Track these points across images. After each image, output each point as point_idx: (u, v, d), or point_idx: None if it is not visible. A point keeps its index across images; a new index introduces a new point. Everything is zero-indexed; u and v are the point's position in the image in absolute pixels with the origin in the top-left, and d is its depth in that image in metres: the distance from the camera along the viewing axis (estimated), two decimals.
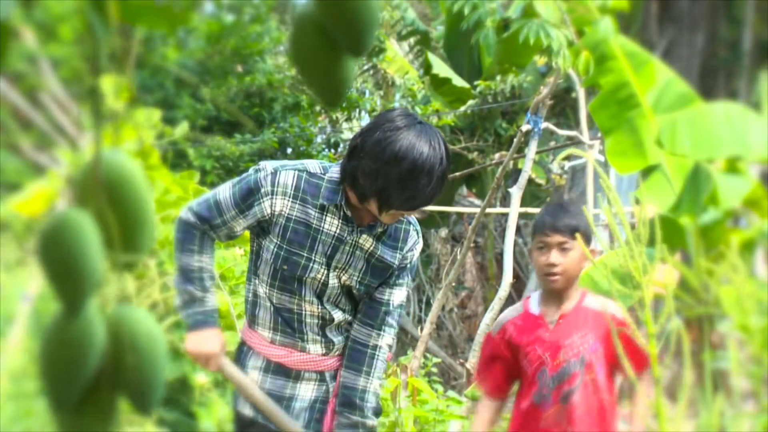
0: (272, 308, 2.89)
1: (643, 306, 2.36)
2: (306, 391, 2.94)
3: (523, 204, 5.83)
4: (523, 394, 3.32)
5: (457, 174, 8.36)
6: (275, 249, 2.82)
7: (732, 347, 2.62)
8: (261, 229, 2.85)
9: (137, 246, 1.18)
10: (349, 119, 10.98)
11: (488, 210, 7.02)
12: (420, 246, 2.95)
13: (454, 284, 8.58)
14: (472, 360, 5.02)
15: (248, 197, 2.81)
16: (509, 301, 4.77)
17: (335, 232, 2.82)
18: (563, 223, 3.24)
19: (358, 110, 10.68)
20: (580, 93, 6.55)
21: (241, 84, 10.87)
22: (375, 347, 2.92)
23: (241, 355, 2.97)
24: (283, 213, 2.79)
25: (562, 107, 9.94)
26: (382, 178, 2.66)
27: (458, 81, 9.54)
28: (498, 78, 9.31)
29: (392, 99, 10.22)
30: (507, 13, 7.64)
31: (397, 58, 10.21)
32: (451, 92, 9.67)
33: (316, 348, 2.91)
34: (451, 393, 5.45)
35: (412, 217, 2.91)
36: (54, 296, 1.15)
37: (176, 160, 9.31)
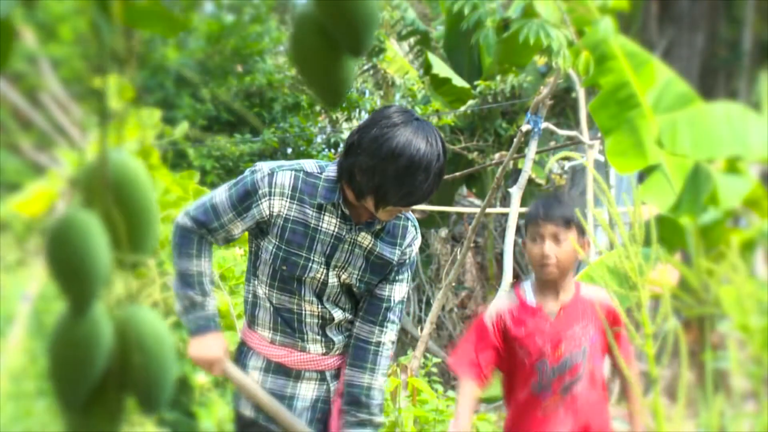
0: (272, 308, 2.89)
1: (639, 307, 2.36)
2: (307, 391, 2.94)
3: (523, 204, 5.82)
4: (520, 385, 3.29)
5: (457, 174, 8.36)
6: (274, 250, 2.82)
7: (732, 347, 2.61)
8: (259, 230, 2.85)
9: (142, 246, 1.19)
10: (349, 119, 10.98)
11: (488, 210, 7.02)
12: (419, 241, 2.95)
13: (454, 284, 8.58)
14: None
15: (246, 199, 2.80)
16: None
17: (333, 231, 2.82)
18: (557, 214, 3.22)
19: (358, 110, 10.67)
20: (580, 93, 6.55)
21: (241, 84, 10.87)
22: (378, 344, 2.92)
23: (241, 356, 2.97)
24: (281, 213, 2.79)
25: (562, 107, 9.94)
26: (380, 175, 2.66)
27: (458, 81, 9.53)
28: (498, 78, 9.31)
29: (392, 99, 10.22)
30: (507, 13, 7.64)
31: (397, 58, 10.21)
32: (451, 92, 9.67)
33: (316, 347, 2.91)
34: (451, 393, 5.44)
35: (410, 213, 2.91)
36: (61, 296, 1.15)
37: (176, 160, 9.31)
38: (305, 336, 2.90)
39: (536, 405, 3.26)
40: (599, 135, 5.33)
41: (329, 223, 2.81)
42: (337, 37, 1.17)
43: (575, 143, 6.76)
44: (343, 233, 2.82)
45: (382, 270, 2.89)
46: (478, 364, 3.28)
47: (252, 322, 2.95)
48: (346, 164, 2.74)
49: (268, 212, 2.79)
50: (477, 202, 10.36)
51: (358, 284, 2.88)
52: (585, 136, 6.13)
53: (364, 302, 2.93)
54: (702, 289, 2.86)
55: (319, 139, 11.07)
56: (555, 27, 5.05)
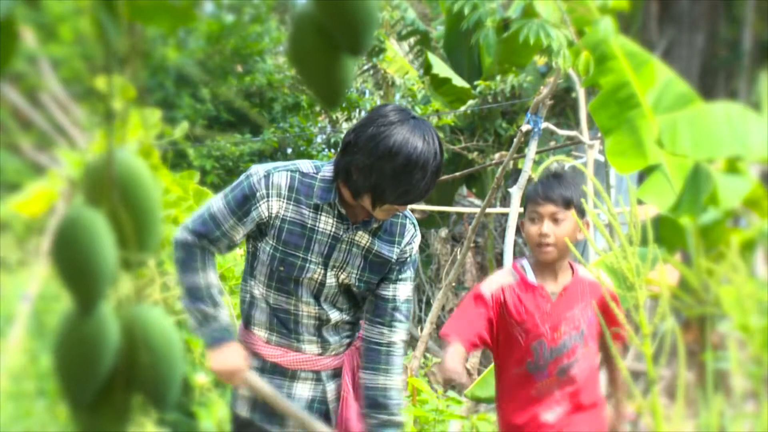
0: (268, 309, 2.89)
1: (637, 307, 2.36)
2: (303, 391, 2.94)
3: (522, 204, 5.83)
4: (513, 360, 3.23)
5: (457, 174, 8.36)
6: (271, 251, 2.82)
7: (732, 347, 2.61)
8: (258, 231, 2.85)
9: (147, 245, 1.19)
10: (349, 119, 10.98)
11: (488, 210, 7.02)
12: (418, 239, 2.94)
13: (454, 284, 8.57)
14: (472, 360, 5.02)
15: (244, 203, 2.80)
16: None
17: (330, 231, 2.81)
18: (556, 193, 3.16)
19: (358, 110, 10.68)
20: (580, 93, 6.55)
21: (241, 84, 10.87)
22: (389, 344, 2.92)
23: None
24: (279, 214, 2.79)
25: (562, 107, 9.95)
26: (376, 173, 2.66)
27: (458, 81, 9.54)
28: (498, 78, 9.32)
29: (392, 99, 10.22)
30: (507, 13, 7.65)
31: (397, 58, 10.22)
32: (451, 92, 9.67)
33: (311, 348, 2.91)
34: (451, 393, 5.44)
35: (408, 211, 2.91)
36: (67, 295, 1.15)
37: (176, 160, 9.31)
38: (301, 337, 2.90)
39: (529, 384, 3.21)
40: (599, 135, 5.33)
41: (326, 223, 2.81)
42: (337, 36, 1.17)
43: (575, 143, 6.76)
44: (340, 233, 2.82)
45: (381, 269, 2.88)
46: (471, 332, 3.20)
47: (248, 322, 2.95)
48: (343, 163, 2.73)
49: (267, 213, 2.79)
50: (477, 202, 10.36)
51: (357, 284, 2.88)
52: (585, 136, 6.14)
53: (369, 304, 2.93)
54: (702, 289, 2.86)
55: (319, 139, 11.07)
56: (555, 27, 5.05)
